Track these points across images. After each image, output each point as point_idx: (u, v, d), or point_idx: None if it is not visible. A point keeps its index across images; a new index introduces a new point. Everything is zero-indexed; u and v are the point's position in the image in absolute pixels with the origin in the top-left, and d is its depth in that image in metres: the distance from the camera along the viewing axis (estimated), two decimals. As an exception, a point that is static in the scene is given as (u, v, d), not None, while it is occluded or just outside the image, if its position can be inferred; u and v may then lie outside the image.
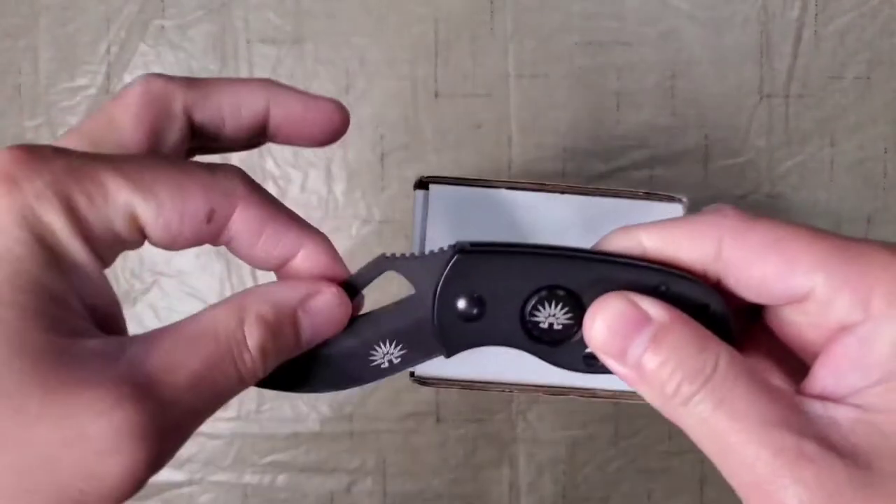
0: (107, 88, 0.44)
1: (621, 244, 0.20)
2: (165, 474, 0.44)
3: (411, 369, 0.32)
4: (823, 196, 0.45)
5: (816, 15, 0.44)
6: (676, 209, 0.32)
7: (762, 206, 0.44)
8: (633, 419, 0.44)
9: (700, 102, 0.44)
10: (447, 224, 0.30)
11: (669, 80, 0.44)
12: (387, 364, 0.22)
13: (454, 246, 0.21)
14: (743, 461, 0.17)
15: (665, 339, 0.18)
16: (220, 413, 0.45)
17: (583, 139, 0.44)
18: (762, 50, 0.44)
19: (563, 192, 0.31)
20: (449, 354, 0.22)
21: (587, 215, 0.30)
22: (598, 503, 0.45)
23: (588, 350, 0.20)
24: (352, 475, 0.44)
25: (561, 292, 0.20)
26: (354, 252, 0.43)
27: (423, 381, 0.32)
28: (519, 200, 0.31)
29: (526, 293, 0.20)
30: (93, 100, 0.44)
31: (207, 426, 0.44)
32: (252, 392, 0.44)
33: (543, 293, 0.20)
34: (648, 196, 0.32)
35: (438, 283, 0.21)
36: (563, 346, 0.21)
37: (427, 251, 0.21)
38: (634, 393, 0.29)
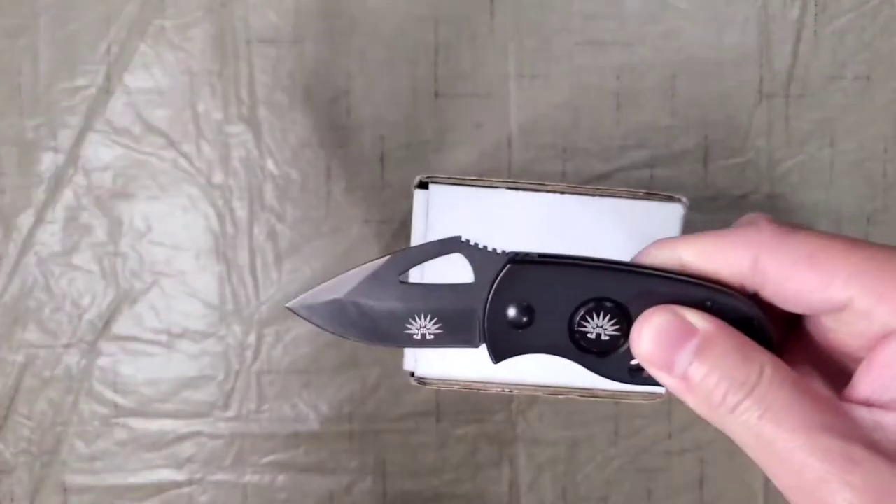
0: (107, 89, 0.44)
1: (660, 258, 0.21)
2: (165, 474, 0.44)
3: (411, 370, 0.32)
4: (823, 196, 0.45)
5: (816, 15, 0.44)
6: (676, 209, 0.32)
7: (762, 206, 0.44)
8: (633, 419, 0.44)
9: (700, 103, 0.44)
10: (447, 224, 0.30)
11: (669, 80, 0.44)
12: (419, 336, 0.23)
13: (507, 254, 0.22)
14: (791, 466, 0.17)
15: (710, 350, 0.19)
16: (219, 413, 0.45)
17: (583, 139, 0.44)
18: (762, 50, 0.44)
19: (562, 193, 0.31)
20: (496, 360, 0.22)
21: (587, 215, 0.30)
22: (598, 503, 0.45)
23: (634, 361, 0.21)
24: (352, 475, 0.44)
25: (609, 304, 0.21)
26: (354, 252, 0.43)
27: (423, 382, 0.32)
28: (519, 200, 0.31)
29: (575, 304, 0.21)
30: (93, 100, 0.44)
31: (207, 426, 0.44)
32: (252, 392, 0.44)
33: (591, 304, 0.21)
34: (648, 196, 0.32)
35: (490, 290, 0.22)
36: (610, 357, 0.21)
37: (490, 248, 0.22)
38: (634, 393, 0.29)
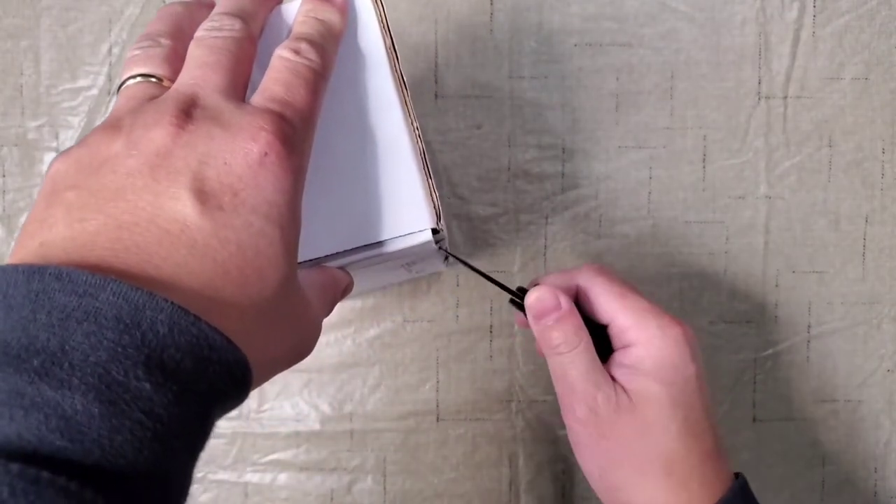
0: (108, 89, 0.44)
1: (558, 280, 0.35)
2: (167, 473, 0.44)
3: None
4: (821, 196, 0.45)
5: (815, 16, 0.44)
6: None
7: (760, 206, 0.45)
8: (632, 418, 0.45)
9: (699, 103, 0.44)
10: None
11: (668, 81, 0.44)
12: None
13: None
14: (577, 392, 0.32)
15: (564, 320, 0.32)
16: (221, 412, 0.45)
17: (582, 140, 0.44)
18: (760, 51, 0.44)
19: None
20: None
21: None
22: (597, 502, 0.45)
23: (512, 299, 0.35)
24: (352, 474, 0.44)
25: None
26: (355, 252, 0.43)
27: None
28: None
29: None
30: (95, 100, 0.44)
31: (208, 425, 0.44)
32: (253, 392, 0.44)
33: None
34: None
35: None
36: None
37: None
38: None
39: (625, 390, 0.32)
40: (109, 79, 0.44)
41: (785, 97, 0.45)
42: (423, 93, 0.44)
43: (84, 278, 0.17)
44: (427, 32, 0.44)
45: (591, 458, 0.33)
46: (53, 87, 0.44)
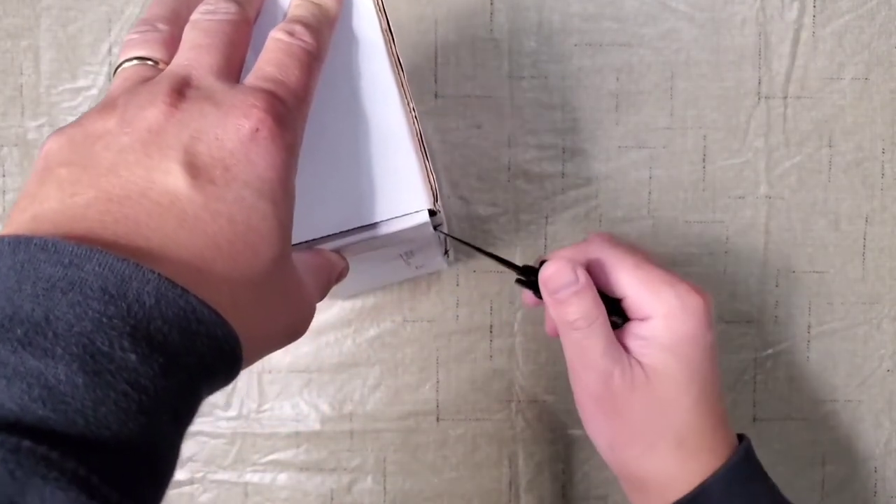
0: (108, 90, 0.44)
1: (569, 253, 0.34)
2: (167, 473, 0.44)
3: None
4: (822, 196, 0.45)
5: (815, 16, 0.44)
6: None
7: (760, 206, 0.45)
8: (632, 418, 0.45)
9: (699, 103, 0.44)
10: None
11: (668, 80, 0.44)
12: None
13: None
14: (594, 368, 0.31)
15: (581, 294, 0.31)
16: (220, 412, 0.45)
17: (582, 140, 0.44)
18: (760, 51, 0.44)
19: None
20: None
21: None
22: (597, 502, 0.45)
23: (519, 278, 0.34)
24: (352, 474, 0.44)
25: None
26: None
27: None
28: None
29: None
30: (94, 100, 0.44)
31: (208, 425, 0.44)
32: (253, 391, 0.44)
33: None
34: None
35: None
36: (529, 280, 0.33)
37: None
38: None
39: (640, 363, 0.31)
40: (109, 79, 0.44)
41: (785, 97, 0.44)
42: (423, 93, 0.44)
43: (70, 249, 0.17)
44: (427, 32, 0.44)
45: (603, 433, 0.33)
46: (53, 87, 0.44)
